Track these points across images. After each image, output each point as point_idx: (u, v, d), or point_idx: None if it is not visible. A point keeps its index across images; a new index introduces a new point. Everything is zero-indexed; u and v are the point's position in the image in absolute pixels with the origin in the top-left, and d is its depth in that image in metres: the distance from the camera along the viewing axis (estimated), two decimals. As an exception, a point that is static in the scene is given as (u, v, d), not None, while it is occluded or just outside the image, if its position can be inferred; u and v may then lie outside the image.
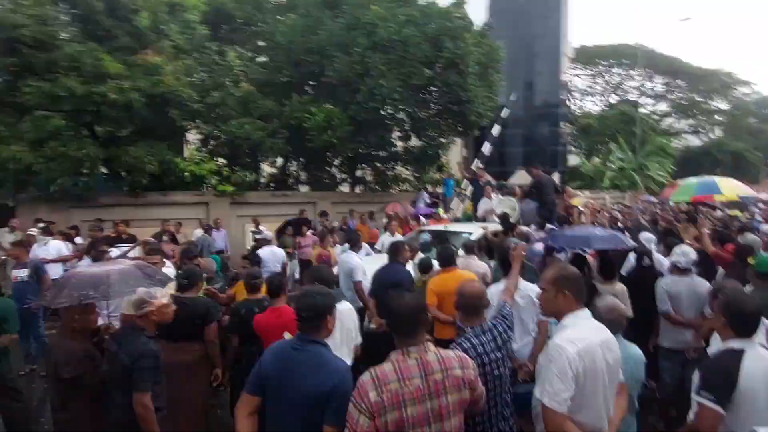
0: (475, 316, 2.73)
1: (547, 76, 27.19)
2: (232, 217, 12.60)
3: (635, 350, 2.97)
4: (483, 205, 9.82)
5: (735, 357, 2.32)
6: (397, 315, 2.03)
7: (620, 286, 4.99)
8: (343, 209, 14.56)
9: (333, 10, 13.28)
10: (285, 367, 2.16)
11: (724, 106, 44.27)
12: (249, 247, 10.12)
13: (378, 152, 16.05)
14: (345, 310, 3.78)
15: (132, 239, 8.10)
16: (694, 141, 43.89)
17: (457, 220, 10.69)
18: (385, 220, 11.30)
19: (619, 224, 8.58)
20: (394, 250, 5.12)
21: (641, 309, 5.06)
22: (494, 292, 4.14)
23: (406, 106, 13.24)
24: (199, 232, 10.41)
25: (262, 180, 17.03)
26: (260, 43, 15.31)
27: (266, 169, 17.10)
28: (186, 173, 11.71)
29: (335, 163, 17.36)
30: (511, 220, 8.57)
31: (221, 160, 13.80)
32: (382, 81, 11.83)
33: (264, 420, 2.22)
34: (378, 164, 17.20)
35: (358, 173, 17.95)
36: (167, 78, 10.76)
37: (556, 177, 26.75)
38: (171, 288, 4.36)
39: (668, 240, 6.23)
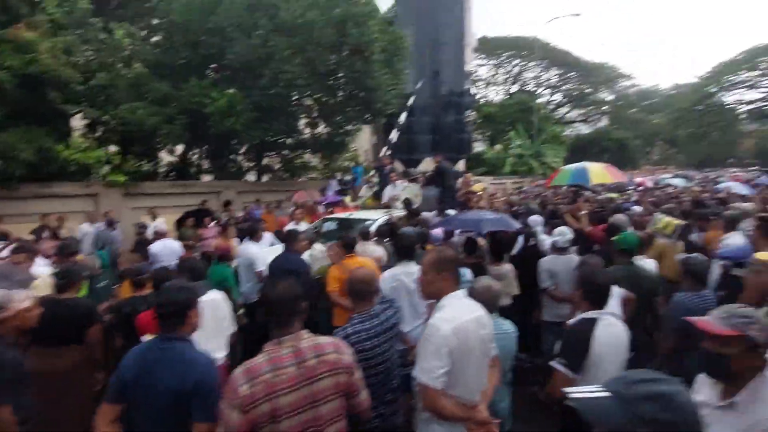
0: (363, 302, 2.78)
1: (452, 66, 28.00)
2: (125, 210, 11.76)
3: (508, 326, 3.19)
4: (388, 191, 9.99)
5: (588, 326, 2.57)
6: (270, 304, 2.02)
7: (507, 266, 5.33)
8: (250, 198, 14.14)
9: (232, -11, 12.70)
10: (145, 369, 2.07)
11: (609, 97, 48.47)
12: (136, 242, 9.38)
13: (285, 139, 15.74)
14: (216, 300, 3.69)
15: (4, 236, 7.29)
16: (585, 129, 47.70)
17: (363, 207, 10.80)
18: (291, 209, 11.12)
19: (514, 208, 9.13)
20: (288, 239, 5.07)
21: (527, 285, 5.48)
22: (387, 276, 4.27)
23: (312, 93, 13.05)
24: (85, 227, 9.60)
25: (162, 169, 16.09)
26: (154, 21, 14.31)
27: (165, 157, 16.16)
28: (70, 162, 10.71)
29: (241, 151, 16.79)
30: (414, 206, 8.82)
31: (113, 148, 12.80)
32: (287, 66, 11.54)
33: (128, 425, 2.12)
34: (285, 152, 16.90)
35: (265, 161, 17.52)
36: (43, 56, 9.73)
37: (461, 164, 27.87)
38: (47, 288, 4.01)
39: (552, 222, 6.74)
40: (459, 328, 2.28)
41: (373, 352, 2.59)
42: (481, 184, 16.27)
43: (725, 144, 44.39)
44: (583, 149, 36.53)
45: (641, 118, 49.89)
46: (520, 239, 6.48)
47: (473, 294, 3.03)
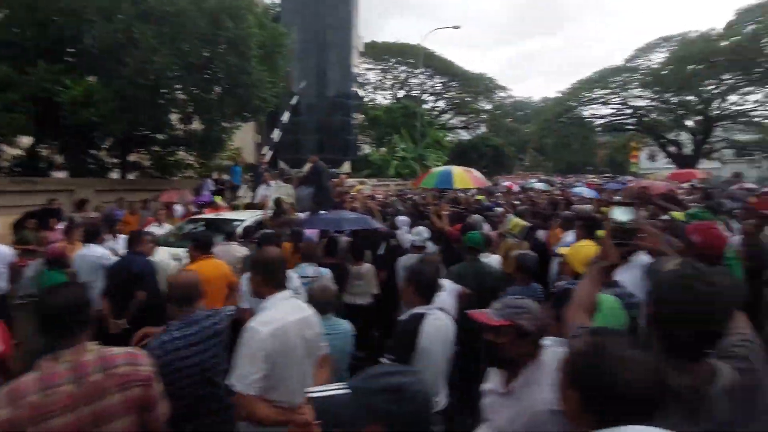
0: (185, 306, 2.61)
1: (338, 67, 28.11)
2: (-48, 209, 10.13)
3: (345, 326, 3.19)
4: (260, 191, 9.69)
5: (416, 321, 2.64)
6: (45, 314, 1.78)
7: (367, 266, 5.40)
8: (110, 198, 12.94)
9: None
10: None
11: (487, 106, 51.92)
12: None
13: (155, 135, 14.64)
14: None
15: None
16: (466, 135, 50.60)
17: (236, 208, 10.40)
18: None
19: (388, 209, 9.34)
20: (132, 240, 4.68)
21: (390, 284, 5.60)
22: (246, 278, 4.11)
23: (184, 86, 12.20)
24: None
25: (6, 164, 14.13)
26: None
27: (9, 150, 14.22)
28: None
29: (104, 146, 15.28)
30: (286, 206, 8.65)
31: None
32: (153, 56, 10.69)
33: None
34: (156, 148, 15.73)
35: (133, 158, 16.15)
36: None
37: (347, 165, 28.07)
38: None
39: (421, 222, 6.97)
40: (278, 331, 2.21)
41: (191, 360, 2.42)
42: (360, 186, 16.51)
43: (584, 153, 49.71)
44: (463, 154, 38.61)
45: (516, 127, 54.09)
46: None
47: (311, 295, 3.00)
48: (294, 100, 18.57)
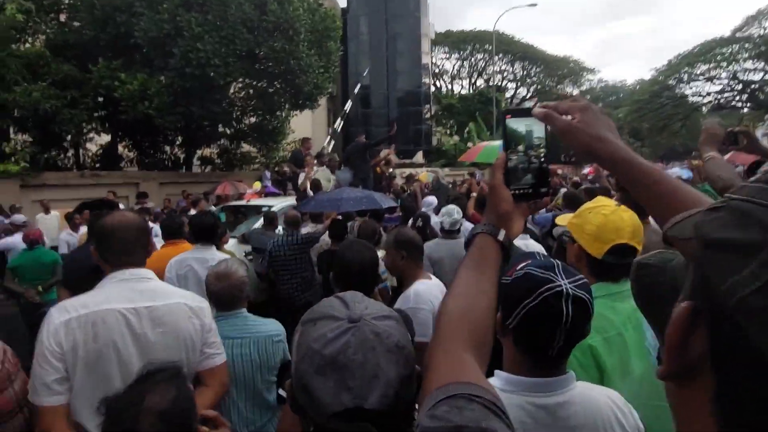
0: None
1: (408, 57, 27.31)
2: (24, 203, 10.65)
3: (266, 327, 2.28)
4: (302, 176, 9.21)
5: None
6: None
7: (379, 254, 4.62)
8: (175, 190, 13.23)
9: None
10: None
11: (575, 91, 48.35)
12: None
13: (224, 129, 14.82)
14: None
15: None
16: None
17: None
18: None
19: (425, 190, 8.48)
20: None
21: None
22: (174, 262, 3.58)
23: (233, 74, 12.01)
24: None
25: (88, 160, 15.02)
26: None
27: (91, 148, 15.11)
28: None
29: (177, 143, 15.83)
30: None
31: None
32: (198, 43, 10.60)
33: None
34: (221, 141, 16.03)
35: (206, 153, 16.61)
36: None
37: (419, 155, 27.26)
38: None
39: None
40: (80, 321, 1.51)
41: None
42: (427, 173, 15.62)
43: (687, 136, 44.67)
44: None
45: (607, 113, 49.54)
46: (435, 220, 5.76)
47: (207, 283, 2.27)
48: (357, 89, 18.07)
